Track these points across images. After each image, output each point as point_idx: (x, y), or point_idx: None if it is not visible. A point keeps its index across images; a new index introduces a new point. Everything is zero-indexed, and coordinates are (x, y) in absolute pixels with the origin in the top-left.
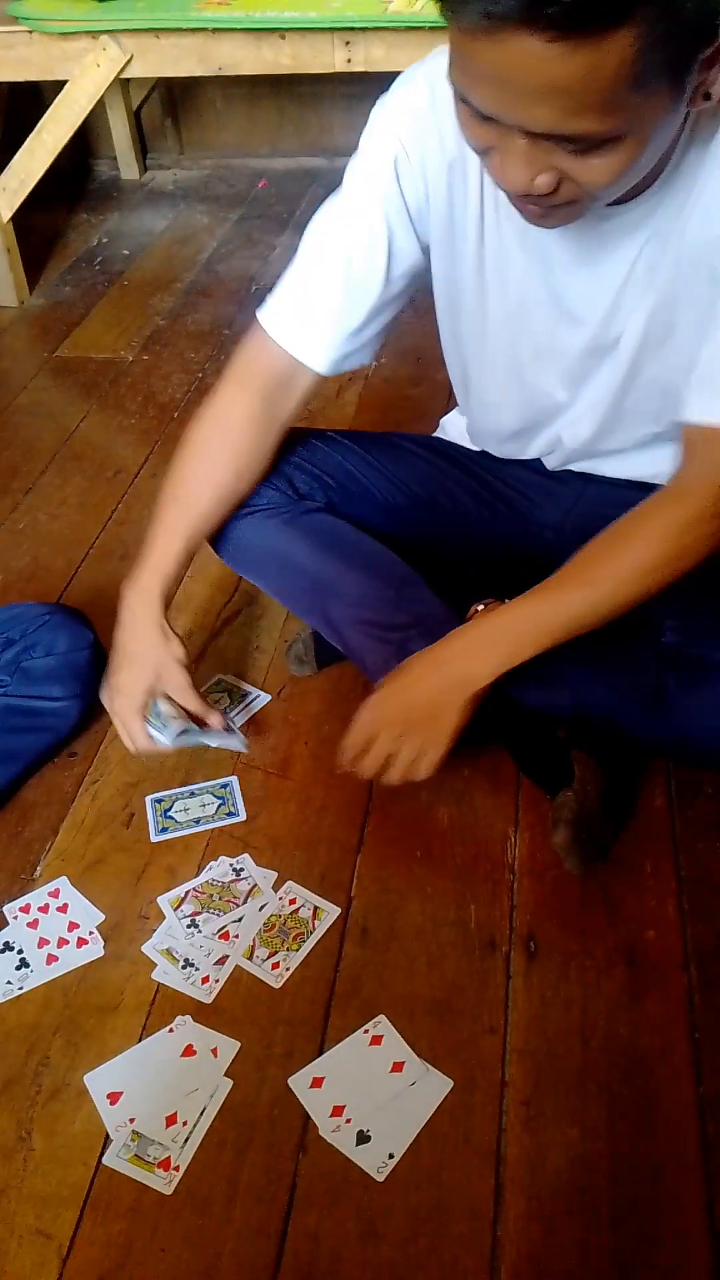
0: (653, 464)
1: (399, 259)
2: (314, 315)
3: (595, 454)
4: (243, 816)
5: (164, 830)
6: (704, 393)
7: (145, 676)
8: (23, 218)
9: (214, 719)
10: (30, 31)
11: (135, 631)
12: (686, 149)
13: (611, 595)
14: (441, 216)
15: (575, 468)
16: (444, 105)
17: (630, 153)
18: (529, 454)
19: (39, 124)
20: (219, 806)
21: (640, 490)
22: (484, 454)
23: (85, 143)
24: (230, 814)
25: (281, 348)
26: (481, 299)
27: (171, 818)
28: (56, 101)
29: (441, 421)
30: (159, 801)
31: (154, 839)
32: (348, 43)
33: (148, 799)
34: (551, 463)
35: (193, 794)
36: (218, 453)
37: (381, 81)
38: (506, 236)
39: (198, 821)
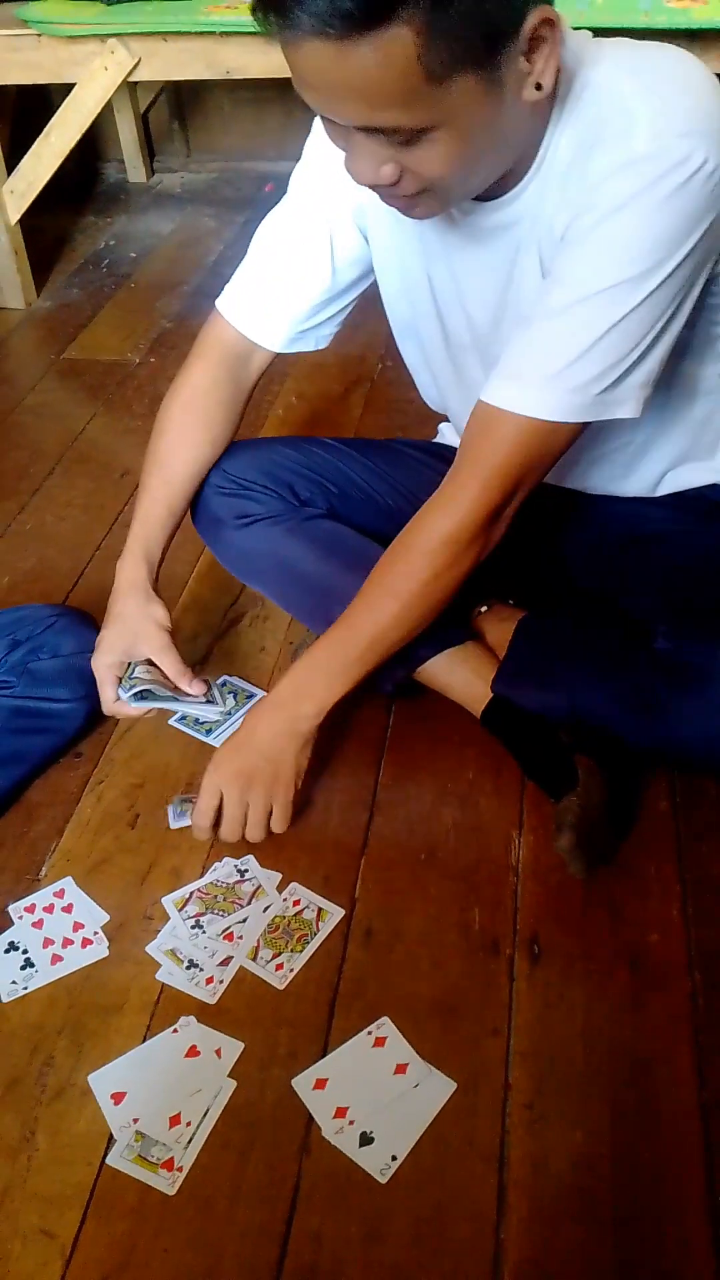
0: (639, 481)
1: (342, 252)
2: (265, 302)
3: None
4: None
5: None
6: (496, 377)
7: (124, 636)
8: (30, 220)
9: (195, 687)
10: (38, 35)
11: (119, 594)
12: (551, 140)
13: (405, 611)
14: (380, 214)
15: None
16: None
17: (454, 144)
18: None
19: (47, 127)
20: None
21: (636, 500)
22: None
23: (93, 146)
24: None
25: (237, 330)
26: (428, 290)
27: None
28: (64, 105)
29: (441, 427)
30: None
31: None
32: None
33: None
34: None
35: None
36: (191, 423)
37: None
38: (429, 227)
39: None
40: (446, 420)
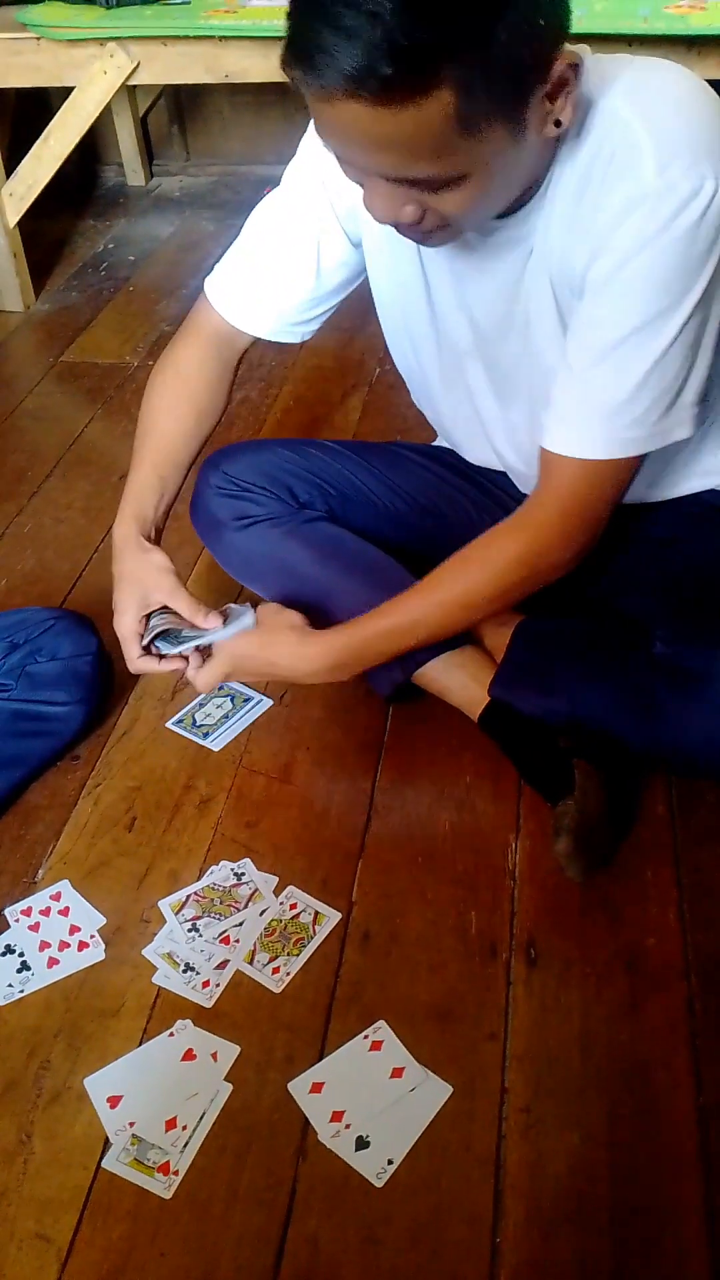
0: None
1: (329, 258)
2: (253, 293)
3: None
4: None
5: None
6: (550, 419)
7: (134, 591)
8: (29, 223)
9: (211, 620)
10: (38, 38)
11: (117, 555)
12: (560, 164)
13: (447, 617)
14: (374, 225)
15: None
16: None
17: (479, 186)
18: (497, 465)
19: (46, 130)
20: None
21: (635, 505)
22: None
23: (92, 149)
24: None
25: (223, 318)
26: (429, 302)
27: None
28: (63, 108)
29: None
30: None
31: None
32: None
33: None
34: (520, 484)
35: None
36: (178, 400)
37: None
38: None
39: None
40: None
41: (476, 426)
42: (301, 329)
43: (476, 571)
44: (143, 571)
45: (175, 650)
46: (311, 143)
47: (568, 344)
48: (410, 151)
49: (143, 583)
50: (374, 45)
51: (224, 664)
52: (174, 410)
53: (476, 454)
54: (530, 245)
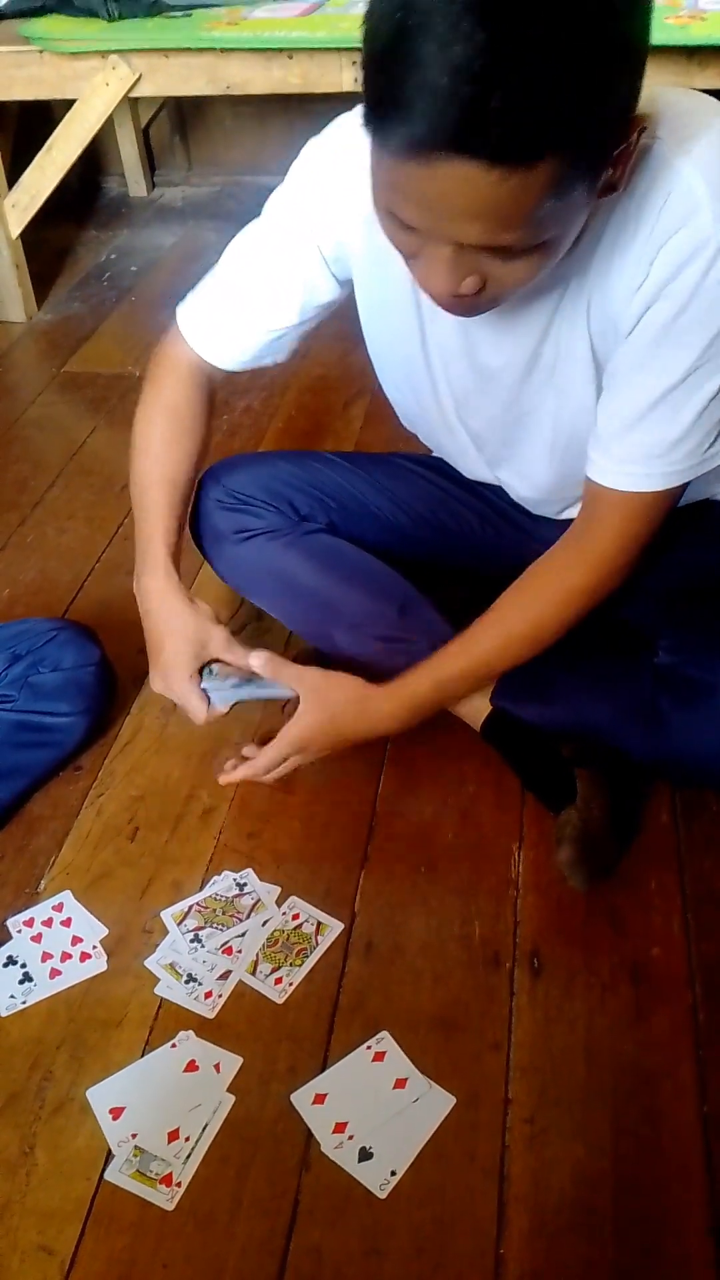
0: None
1: (312, 294)
2: (227, 329)
3: (556, 506)
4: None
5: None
6: (600, 456)
7: (187, 645)
8: (32, 234)
9: (258, 660)
10: (41, 51)
11: (163, 608)
12: (602, 213)
13: (505, 654)
14: (364, 263)
15: (557, 517)
16: (365, 158)
17: (551, 253)
18: (494, 483)
19: (48, 141)
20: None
21: None
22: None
23: (94, 160)
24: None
25: (197, 352)
26: (423, 343)
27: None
28: (66, 119)
29: None
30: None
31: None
32: (355, 62)
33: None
34: (528, 507)
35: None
36: (174, 437)
37: None
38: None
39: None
40: None
41: (477, 460)
42: (272, 357)
43: (543, 605)
44: (196, 626)
45: (234, 700)
46: (305, 174)
47: (617, 385)
48: (505, 218)
49: (198, 639)
50: (492, 105)
51: (288, 748)
52: (174, 451)
53: (475, 475)
54: (561, 291)
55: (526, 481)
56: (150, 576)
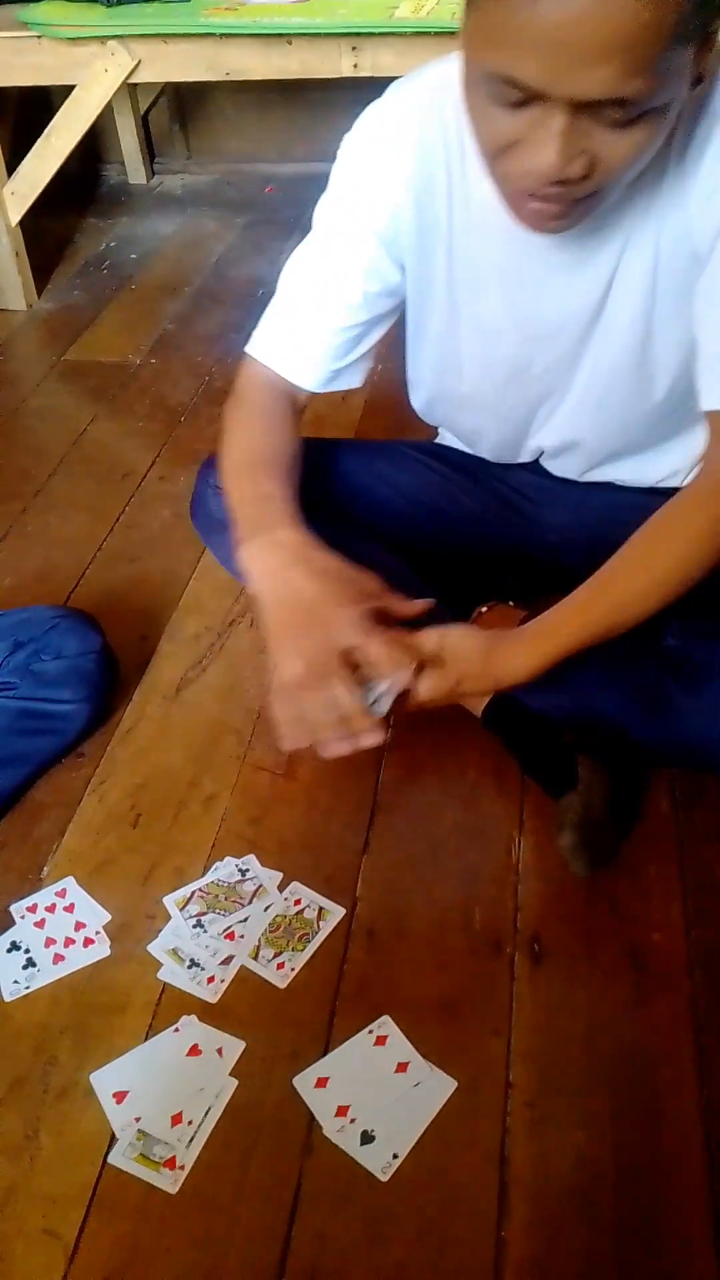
0: (658, 468)
1: (376, 280)
2: (300, 343)
3: (590, 460)
4: None
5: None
6: (715, 384)
7: (347, 587)
8: (31, 222)
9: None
10: (39, 37)
11: (313, 556)
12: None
13: (649, 595)
14: (411, 240)
15: (580, 478)
16: (406, 132)
17: (654, 131)
18: (520, 459)
19: (47, 129)
20: None
21: (648, 494)
22: (483, 459)
23: (94, 148)
24: None
25: (274, 371)
26: (453, 319)
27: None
28: (65, 106)
29: (441, 429)
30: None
31: None
32: (354, 48)
33: None
34: (554, 469)
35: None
36: (268, 427)
37: None
38: (477, 259)
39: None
40: None
41: (514, 433)
42: (351, 371)
43: (677, 545)
44: (352, 573)
45: (387, 704)
46: (345, 168)
47: (713, 313)
48: (637, 58)
49: (355, 586)
50: None
51: (449, 680)
52: (268, 437)
53: (500, 451)
54: (622, 231)
55: (580, 430)
56: (281, 531)
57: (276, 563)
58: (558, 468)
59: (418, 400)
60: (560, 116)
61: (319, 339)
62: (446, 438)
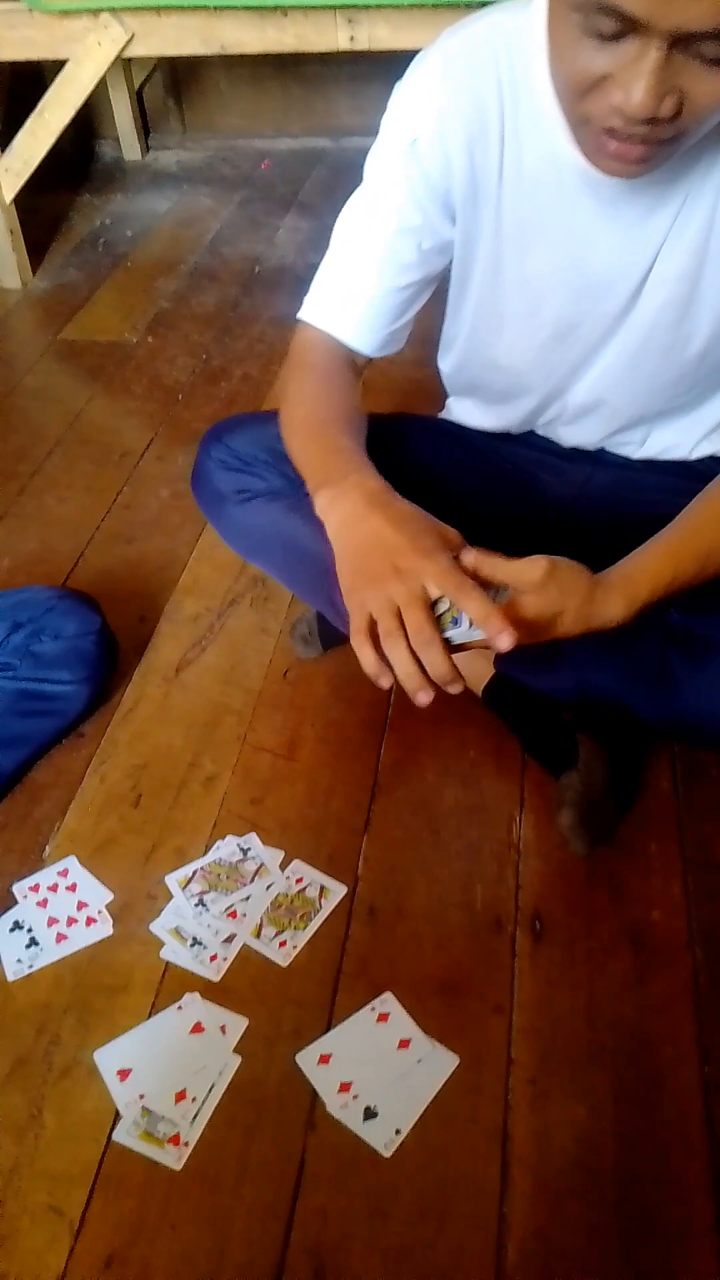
0: (661, 441)
1: (430, 236)
2: (357, 303)
3: (608, 425)
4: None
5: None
6: None
7: (432, 526)
8: (25, 199)
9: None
10: (31, 10)
11: (393, 502)
12: None
13: None
14: (464, 192)
15: (592, 448)
16: (459, 81)
17: None
18: (540, 422)
19: (40, 104)
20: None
21: (651, 470)
22: (490, 434)
23: (88, 123)
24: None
25: (329, 334)
26: (496, 276)
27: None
28: (58, 81)
29: (448, 403)
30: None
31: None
32: (350, 20)
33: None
34: (569, 435)
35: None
36: (328, 388)
37: (387, 63)
38: (527, 214)
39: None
40: (451, 398)
41: (550, 391)
42: (401, 335)
43: None
44: (430, 519)
45: (466, 638)
46: (395, 117)
47: None
48: None
49: (435, 528)
50: None
51: (557, 605)
52: (333, 398)
53: (523, 418)
54: (683, 189)
55: (586, 397)
56: (359, 476)
57: (357, 509)
58: (573, 434)
59: (447, 363)
60: (656, 51)
61: (377, 301)
62: (451, 413)
